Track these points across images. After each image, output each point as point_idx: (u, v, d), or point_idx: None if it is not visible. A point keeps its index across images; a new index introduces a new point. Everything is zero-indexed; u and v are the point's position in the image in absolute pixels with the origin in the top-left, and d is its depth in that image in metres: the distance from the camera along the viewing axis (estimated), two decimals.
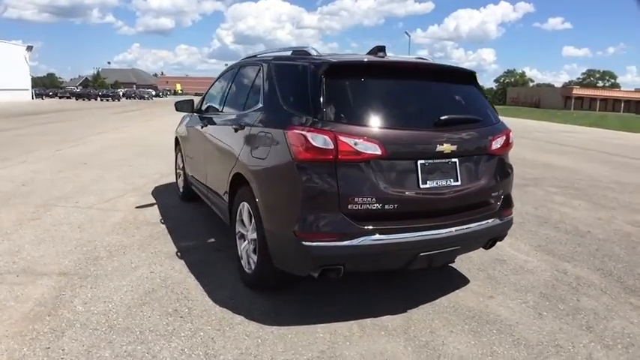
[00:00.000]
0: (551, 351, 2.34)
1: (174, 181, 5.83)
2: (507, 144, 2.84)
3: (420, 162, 2.45)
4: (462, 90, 2.81)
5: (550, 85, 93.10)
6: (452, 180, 2.55)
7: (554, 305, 2.86)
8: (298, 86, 2.58)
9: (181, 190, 5.26)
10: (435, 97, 2.71)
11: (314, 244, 2.32)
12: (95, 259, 3.41)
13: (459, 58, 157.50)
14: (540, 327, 2.58)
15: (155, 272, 3.21)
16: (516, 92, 77.13)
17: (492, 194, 2.77)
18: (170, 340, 2.34)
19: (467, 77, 2.88)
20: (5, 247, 3.57)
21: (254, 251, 2.85)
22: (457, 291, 3.05)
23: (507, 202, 2.90)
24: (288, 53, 3.15)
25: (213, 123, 3.78)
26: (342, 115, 2.39)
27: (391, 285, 3.09)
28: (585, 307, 2.84)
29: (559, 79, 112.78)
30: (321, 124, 2.33)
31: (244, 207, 2.94)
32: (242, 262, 3.05)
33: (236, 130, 3.11)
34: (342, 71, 2.51)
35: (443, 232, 2.52)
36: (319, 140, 2.29)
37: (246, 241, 2.98)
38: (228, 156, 3.18)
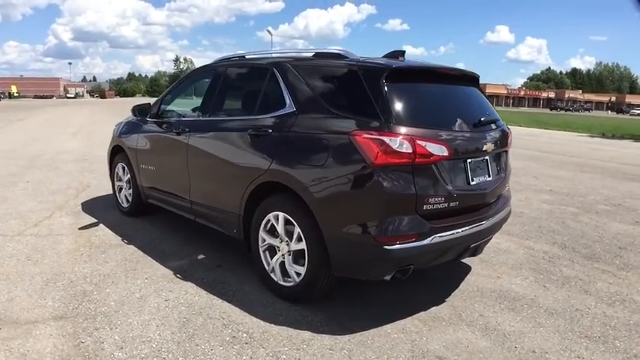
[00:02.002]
0: (577, 315, 2.78)
1: (98, 195, 5.24)
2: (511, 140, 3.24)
3: (468, 161, 2.66)
4: (476, 92, 3.10)
5: None
6: (487, 176, 2.82)
7: (548, 277, 3.37)
8: (356, 90, 2.55)
9: (125, 204, 4.65)
10: (466, 99, 2.94)
11: (395, 247, 2.35)
12: (84, 295, 2.86)
13: None
14: (554, 297, 3.02)
15: (171, 299, 2.84)
16: None
17: (507, 185, 3.15)
18: None
19: (476, 81, 3.18)
20: None
21: (296, 262, 2.75)
22: (469, 276, 3.35)
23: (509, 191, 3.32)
24: (297, 54, 3.09)
25: (203, 130, 3.43)
26: (409, 119, 2.45)
27: (407, 281, 3.25)
28: (570, 276, 3.40)
29: None
30: (395, 129, 2.36)
31: (279, 217, 2.79)
32: (273, 275, 2.90)
33: (257, 137, 2.92)
34: (402, 75, 2.56)
35: (485, 223, 2.77)
36: (399, 144, 2.32)
37: (281, 253, 2.83)
38: (246, 165, 2.97)
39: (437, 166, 2.45)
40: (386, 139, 2.33)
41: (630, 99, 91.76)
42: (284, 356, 2.26)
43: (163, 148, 3.96)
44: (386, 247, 2.35)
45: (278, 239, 2.85)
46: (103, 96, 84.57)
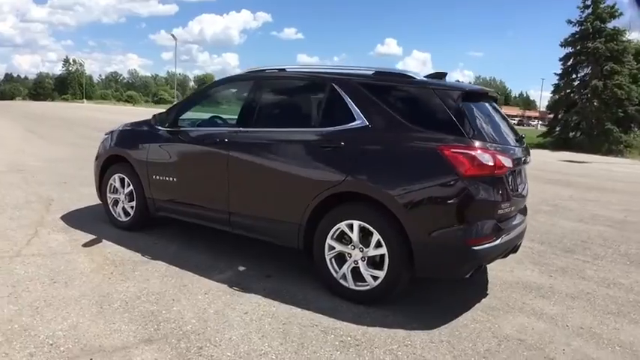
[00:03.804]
0: (590, 297, 3.37)
1: (72, 209, 4.93)
2: None
3: (516, 171, 3.10)
4: (500, 109, 3.57)
5: None
6: (522, 184, 3.30)
7: (549, 269, 3.98)
8: (435, 109, 2.84)
9: (124, 218, 4.34)
10: (500, 116, 3.38)
11: (480, 247, 2.69)
12: (153, 315, 2.72)
13: (205, 61, 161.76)
14: (567, 285, 3.61)
15: (249, 312, 2.83)
16: None
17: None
18: None
19: (497, 100, 3.65)
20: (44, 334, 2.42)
21: (371, 267, 2.93)
22: (489, 271, 3.82)
23: None
24: (354, 71, 3.29)
25: (250, 141, 3.42)
26: (483, 134, 2.82)
27: (438, 280, 3.60)
28: (565, 266, 4.05)
29: None
30: (478, 144, 2.70)
31: (353, 225, 2.95)
32: (342, 281, 3.04)
33: (327, 148, 3.04)
34: (469, 96, 2.93)
35: (524, 225, 3.25)
36: (486, 158, 2.67)
37: (353, 259, 2.99)
38: (313, 176, 3.08)
39: (505, 176, 2.85)
40: (474, 153, 2.66)
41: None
42: (400, 353, 2.45)
43: (190, 159, 3.83)
44: (474, 247, 2.68)
45: (349, 246, 3.01)
46: None
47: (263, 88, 3.57)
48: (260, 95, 3.55)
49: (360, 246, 2.96)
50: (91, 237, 4.07)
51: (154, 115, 4.09)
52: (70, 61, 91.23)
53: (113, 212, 4.43)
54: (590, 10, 22.27)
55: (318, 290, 3.16)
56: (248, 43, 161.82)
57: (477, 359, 2.44)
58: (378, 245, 2.88)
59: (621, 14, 21.51)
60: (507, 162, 2.83)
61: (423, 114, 2.93)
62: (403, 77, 3.09)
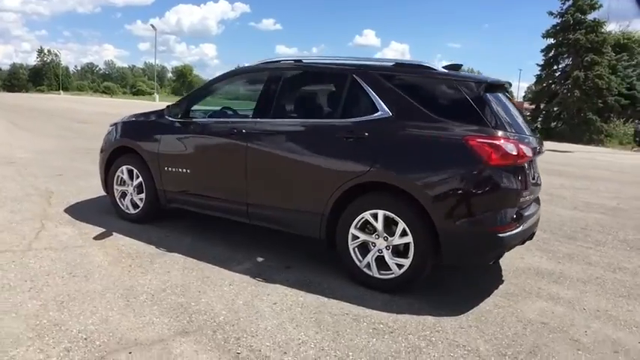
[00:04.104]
0: (600, 281, 3.49)
1: (74, 202, 4.82)
2: None
3: (532, 160, 3.18)
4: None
5: None
6: (536, 173, 3.38)
7: (556, 255, 4.10)
8: (458, 100, 2.88)
9: (132, 210, 4.27)
10: (514, 106, 3.45)
11: (505, 234, 2.76)
12: (183, 307, 2.71)
13: (182, 52, 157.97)
14: (576, 271, 3.73)
15: (278, 302, 2.85)
16: None
17: None
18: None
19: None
20: None
21: (396, 255, 2.97)
22: (505, 260, 3.90)
23: None
24: (374, 63, 3.30)
25: (269, 132, 3.40)
26: (505, 125, 2.87)
27: (454, 268, 3.69)
28: (571, 253, 4.18)
29: None
30: (502, 134, 2.76)
31: (378, 215, 2.98)
32: (366, 269, 3.07)
33: (351, 139, 3.05)
34: (490, 88, 2.97)
35: (539, 213, 3.34)
36: (510, 147, 2.73)
37: (377, 248, 3.03)
38: (337, 166, 3.10)
39: (525, 165, 2.92)
40: (499, 142, 2.72)
41: None
42: (433, 338, 2.51)
43: (205, 150, 3.79)
44: (499, 234, 2.75)
45: (373, 235, 3.04)
46: None
47: (281, 79, 3.53)
48: (278, 86, 3.51)
49: (385, 235, 3.00)
50: (101, 230, 4.00)
51: (168, 106, 4.02)
52: (45, 51, 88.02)
53: (121, 205, 4.35)
54: (570, 2, 22.76)
55: (341, 279, 3.19)
56: (226, 33, 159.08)
57: (508, 342, 2.52)
58: (403, 234, 2.92)
59: (601, 6, 22.09)
60: (528, 151, 2.90)
61: (445, 105, 2.97)
62: (424, 69, 3.12)
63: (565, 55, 23.00)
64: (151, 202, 4.14)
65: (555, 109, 23.25)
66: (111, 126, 4.56)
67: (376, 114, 3.06)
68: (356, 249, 3.12)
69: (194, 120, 3.88)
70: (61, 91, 71.56)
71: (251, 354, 2.27)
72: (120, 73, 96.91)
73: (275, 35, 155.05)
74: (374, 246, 3.04)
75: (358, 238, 3.09)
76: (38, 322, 2.44)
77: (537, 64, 24.44)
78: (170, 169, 3.94)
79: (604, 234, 4.84)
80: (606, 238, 4.71)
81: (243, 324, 2.55)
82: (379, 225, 3.00)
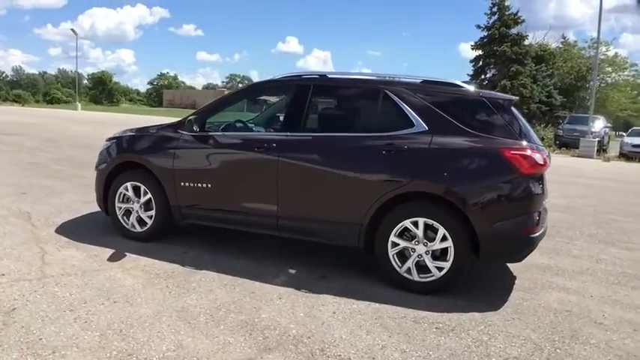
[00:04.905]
0: (591, 272, 4.00)
1: (62, 222, 4.51)
2: None
3: None
4: None
5: (192, 88, 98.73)
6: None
7: (544, 251, 4.52)
8: (488, 115, 3.19)
9: (139, 229, 4.07)
10: (525, 120, 3.85)
11: (535, 235, 3.11)
12: (248, 325, 2.70)
13: (97, 58, 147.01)
14: (567, 264, 4.21)
15: (337, 312, 2.93)
16: (172, 94, 73.62)
17: None
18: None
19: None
20: None
21: (435, 259, 3.20)
22: None
23: None
24: (403, 80, 3.52)
25: (303, 146, 3.49)
26: (528, 137, 3.23)
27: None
28: (554, 248, 4.67)
29: (197, 82, 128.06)
30: (531, 145, 3.10)
31: (418, 222, 3.18)
32: (407, 274, 3.25)
33: (390, 152, 3.23)
34: (514, 104, 3.32)
35: (547, 216, 3.75)
36: (539, 158, 3.08)
37: (417, 254, 3.22)
38: (377, 178, 3.27)
39: (544, 173, 3.31)
40: (529, 153, 3.07)
41: None
42: (490, 332, 2.76)
43: (228, 165, 3.75)
44: (532, 235, 3.08)
45: (413, 242, 3.24)
46: None
47: (307, 94, 3.61)
48: (304, 101, 3.60)
49: (425, 241, 3.21)
50: (110, 251, 3.78)
51: (184, 120, 3.90)
52: None
53: (124, 223, 4.12)
54: (496, 17, 25.16)
55: (378, 285, 3.34)
56: (144, 39, 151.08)
57: (549, 329, 2.84)
58: (443, 239, 3.15)
59: (523, 21, 24.64)
60: (548, 160, 3.29)
61: (477, 119, 3.26)
62: (453, 86, 3.40)
63: (492, 66, 25.39)
64: (163, 218, 3.99)
65: None
66: (108, 141, 4.31)
67: (413, 128, 3.28)
68: (395, 256, 3.29)
69: (214, 134, 3.81)
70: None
71: None
72: (30, 80, 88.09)
73: (196, 41, 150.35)
74: (413, 252, 3.24)
75: (398, 245, 3.27)
76: (109, 355, 2.30)
77: (467, 74, 26.79)
78: (187, 184, 3.83)
79: (572, 230, 5.49)
80: (574, 233, 5.35)
81: (318, 335, 2.60)
82: (419, 232, 3.20)
